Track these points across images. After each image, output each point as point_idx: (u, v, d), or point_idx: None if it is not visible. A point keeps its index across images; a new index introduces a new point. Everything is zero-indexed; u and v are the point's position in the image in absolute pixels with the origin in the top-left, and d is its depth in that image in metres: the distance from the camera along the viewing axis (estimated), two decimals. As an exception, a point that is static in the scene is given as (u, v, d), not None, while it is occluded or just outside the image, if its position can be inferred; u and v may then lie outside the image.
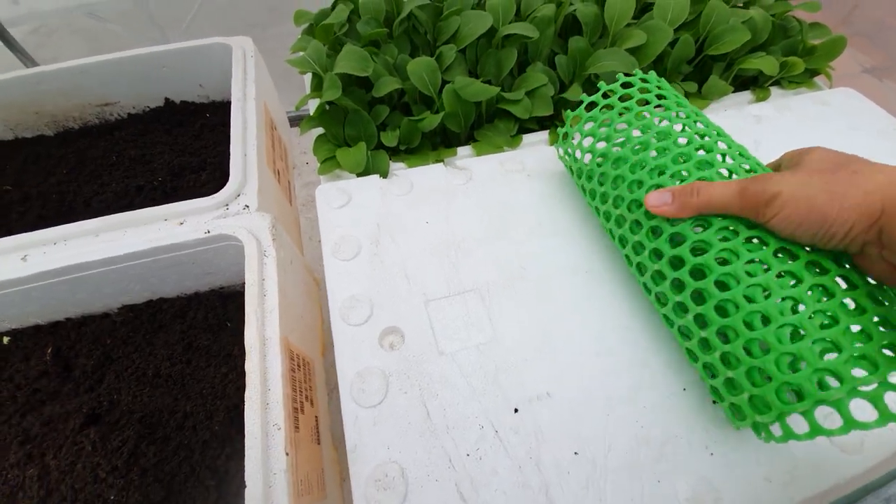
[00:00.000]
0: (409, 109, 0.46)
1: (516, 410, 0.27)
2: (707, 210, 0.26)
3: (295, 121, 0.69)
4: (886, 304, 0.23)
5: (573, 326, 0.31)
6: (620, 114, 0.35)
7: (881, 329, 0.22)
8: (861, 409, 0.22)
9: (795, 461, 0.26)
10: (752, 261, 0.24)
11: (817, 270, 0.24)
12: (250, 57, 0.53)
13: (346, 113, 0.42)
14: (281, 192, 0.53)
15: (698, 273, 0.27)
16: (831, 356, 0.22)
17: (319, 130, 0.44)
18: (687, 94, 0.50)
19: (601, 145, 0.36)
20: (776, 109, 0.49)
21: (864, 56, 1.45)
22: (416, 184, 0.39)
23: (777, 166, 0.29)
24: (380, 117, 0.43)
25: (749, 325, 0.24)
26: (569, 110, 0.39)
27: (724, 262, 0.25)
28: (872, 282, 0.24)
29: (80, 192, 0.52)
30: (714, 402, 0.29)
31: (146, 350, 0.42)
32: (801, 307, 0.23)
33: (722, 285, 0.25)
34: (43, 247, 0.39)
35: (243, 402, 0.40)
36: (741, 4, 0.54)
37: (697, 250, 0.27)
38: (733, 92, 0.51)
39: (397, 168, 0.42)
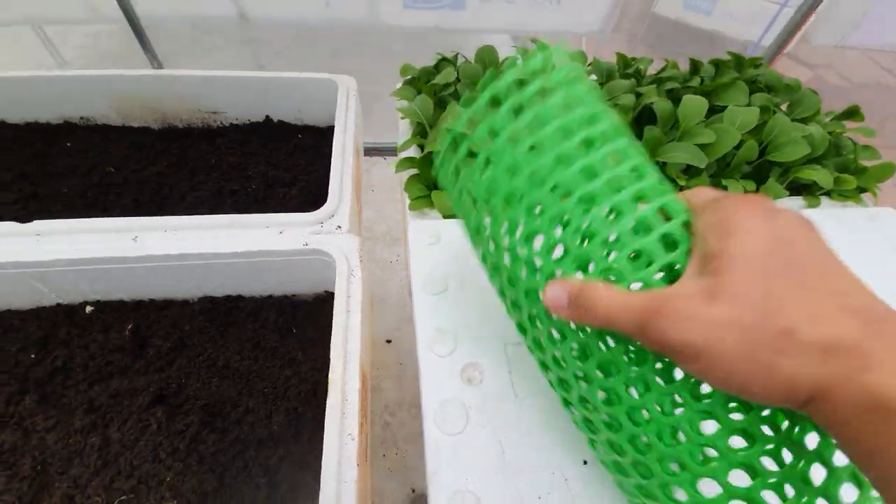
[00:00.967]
0: (492, 164, 0.51)
1: (585, 462, 0.29)
2: (609, 328, 0.21)
3: (368, 151, 0.75)
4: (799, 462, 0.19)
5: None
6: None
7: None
8: None
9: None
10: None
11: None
12: (353, 94, 0.59)
13: (441, 159, 0.47)
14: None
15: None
16: None
17: (412, 171, 0.48)
18: (745, 192, 0.54)
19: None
20: (828, 217, 0.52)
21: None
22: (497, 233, 0.43)
23: (685, 216, 0.21)
24: (470, 168, 0.47)
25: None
26: None
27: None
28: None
29: (177, 185, 0.57)
30: None
31: (219, 342, 0.45)
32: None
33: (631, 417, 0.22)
34: (153, 232, 0.43)
35: (303, 406, 0.42)
36: (801, 118, 0.59)
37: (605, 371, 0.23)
38: (787, 196, 0.55)
39: (478, 215, 0.46)
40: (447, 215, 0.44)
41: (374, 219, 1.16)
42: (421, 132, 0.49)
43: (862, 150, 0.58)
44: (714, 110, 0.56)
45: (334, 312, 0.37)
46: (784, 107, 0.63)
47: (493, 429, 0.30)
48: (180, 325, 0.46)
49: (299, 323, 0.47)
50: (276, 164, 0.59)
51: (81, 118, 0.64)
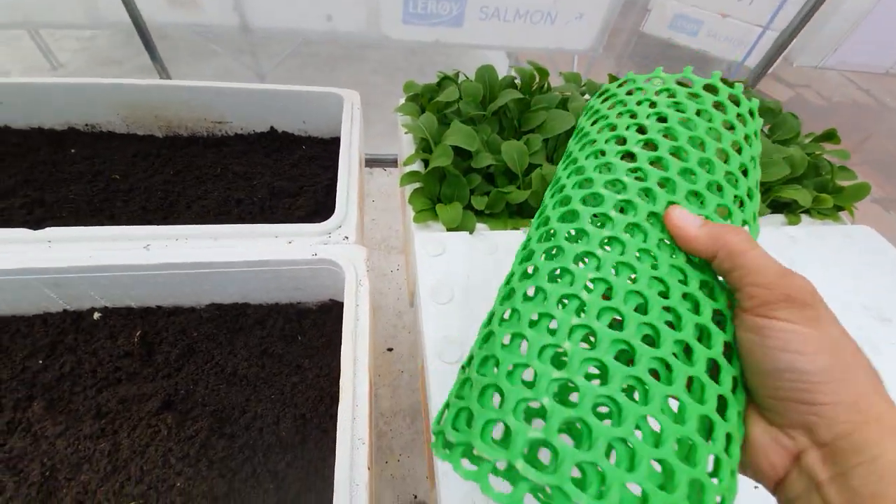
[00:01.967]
0: (493, 179, 0.53)
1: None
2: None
3: (369, 162, 0.77)
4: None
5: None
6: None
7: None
8: None
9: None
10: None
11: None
12: (357, 108, 0.61)
13: (444, 175, 0.49)
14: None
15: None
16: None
17: (416, 184, 0.50)
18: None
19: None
20: (808, 235, 0.56)
21: (876, 188, 1.58)
22: (500, 245, 0.45)
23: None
24: (473, 183, 0.49)
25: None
26: None
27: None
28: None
29: (184, 193, 0.58)
30: None
31: (227, 348, 0.46)
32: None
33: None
34: (166, 240, 0.44)
35: (310, 412, 0.43)
36: (782, 140, 0.63)
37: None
38: (769, 213, 0.58)
39: (480, 228, 0.48)
40: (451, 228, 0.46)
41: (371, 228, 1.18)
42: (425, 147, 0.51)
43: (839, 171, 0.62)
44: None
45: (344, 320, 0.39)
46: (766, 128, 0.66)
47: (499, 433, 0.32)
48: (188, 331, 0.47)
49: (305, 330, 0.49)
50: (281, 174, 0.60)
51: (86, 125, 0.65)
